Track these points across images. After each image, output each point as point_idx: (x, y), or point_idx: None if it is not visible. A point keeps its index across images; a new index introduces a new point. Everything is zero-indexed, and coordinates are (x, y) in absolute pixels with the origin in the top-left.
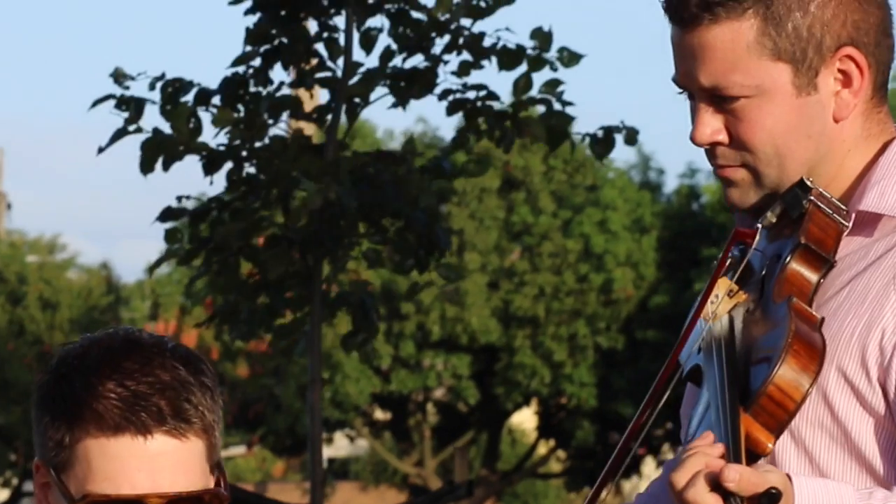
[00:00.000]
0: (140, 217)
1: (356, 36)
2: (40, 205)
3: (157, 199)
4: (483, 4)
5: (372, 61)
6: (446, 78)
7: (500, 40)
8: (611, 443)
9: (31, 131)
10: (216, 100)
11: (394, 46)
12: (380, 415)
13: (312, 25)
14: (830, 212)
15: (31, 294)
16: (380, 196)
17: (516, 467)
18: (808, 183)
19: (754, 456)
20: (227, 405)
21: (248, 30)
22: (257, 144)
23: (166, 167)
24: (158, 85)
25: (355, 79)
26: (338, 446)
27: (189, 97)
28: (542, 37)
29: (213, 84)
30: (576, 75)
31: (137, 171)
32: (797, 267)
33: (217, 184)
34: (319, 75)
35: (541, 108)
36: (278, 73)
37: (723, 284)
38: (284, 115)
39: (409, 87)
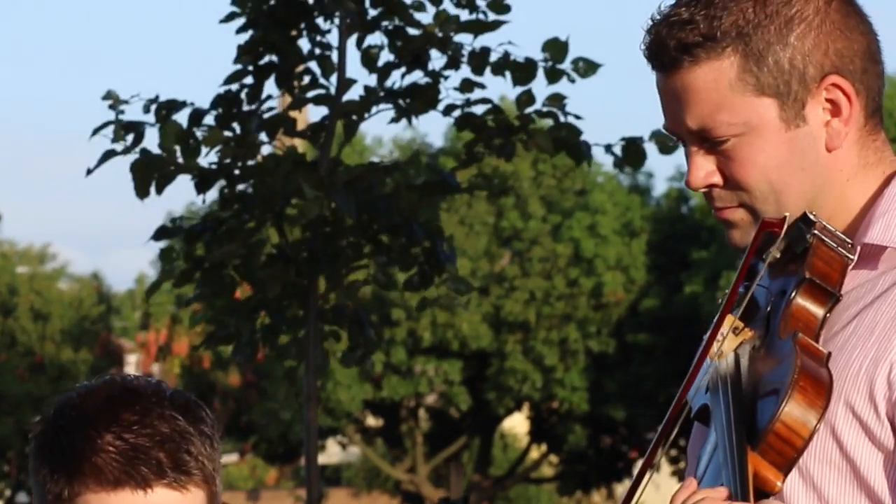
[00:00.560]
0: (131, 226)
1: (350, 52)
2: (30, 214)
3: (148, 209)
4: (482, 19)
5: (364, 78)
6: (448, 94)
7: (508, 55)
8: (602, 447)
9: (20, 141)
10: (209, 119)
11: (391, 59)
12: (372, 421)
13: (304, 43)
14: (835, 245)
15: (22, 305)
16: (376, 209)
17: (509, 472)
18: (812, 217)
19: (763, 495)
20: (219, 414)
21: (239, 47)
22: (250, 162)
23: (160, 190)
24: (153, 108)
25: (353, 96)
26: (330, 453)
27: (183, 117)
28: (556, 48)
29: (208, 104)
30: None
31: (128, 179)
32: (803, 302)
33: (210, 201)
34: (312, 93)
35: (548, 121)
36: (270, 88)
37: (728, 322)
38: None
39: (412, 103)
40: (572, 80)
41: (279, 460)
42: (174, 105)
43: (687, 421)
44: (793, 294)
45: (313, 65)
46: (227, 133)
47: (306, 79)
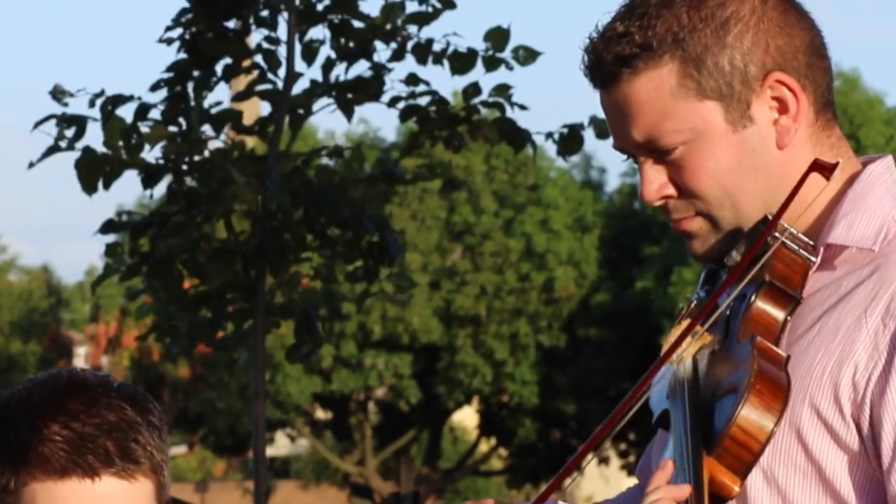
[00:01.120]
0: (81, 219)
1: (298, 47)
2: None
3: (99, 201)
4: (428, 10)
5: (314, 71)
6: (393, 85)
7: (449, 45)
8: (552, 440)
9: None
10: (156, 114)
11: (334, 56)
12: (321, 414)
13: (253, 38)
14: (796, 248)
15: None
16: (325, 202)
17: (458, 465)
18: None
19: (721, 499)
20: (168, 406)
21: (183, 40)
22: (197, 158)
23: (107, 185)
24: (98, 102)
25: (298, 90)
26: (278, 445)
27: (128, 112)
28: (497, 37)
29: (154, 99)
30: (517, 75)
31: (76, 171)
32: (762, 305)
33: (158, 196)
34: (260, 87)
35: (494, 112)
36: (221, 91)
37: (686, 326)
38: (225, 128)
39: (355, 95)
40: (510, 68)
41: (227, 452)
42: (120, 99)
43: (650, 423)
44: (753, 297)
45: (260, 59)
46: (173, 128)
47: (255, 73)
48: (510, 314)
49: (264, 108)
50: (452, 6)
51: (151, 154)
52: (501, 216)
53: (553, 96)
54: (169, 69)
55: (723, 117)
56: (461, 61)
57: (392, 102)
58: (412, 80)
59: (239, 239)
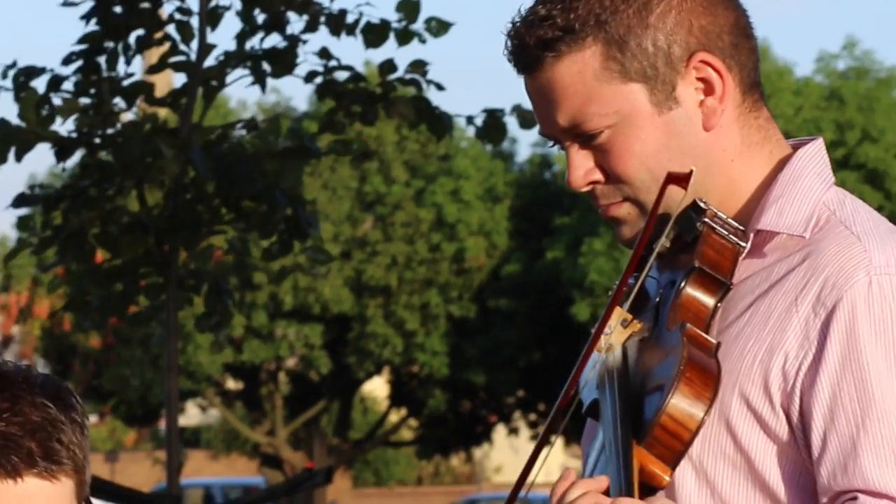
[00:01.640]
0: None
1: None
2: None
3: (10, 172)
4: None
5: (227, 43)
6: (307, 58)
7: (362, 16)
8: (462, 411)
9: None
10: (68, 86)
11: (248, 24)
12: (232, 384)
13: (166, 9)
14: (726, 233)
15: None
16: (238, 175)
17: (368, 435)
18: (702, 205)
19: (651, 489)
20: (78, 375)
21: (94, 12)
22: (110, 131)
23: (19, 157)
24: (11, 73)
25: (211, 61)
26: (189, 415)
27: (41, 84)
28: (409, 8)
29: (67, 71)
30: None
31: None
32: (692, 292)
33: (73, 167)
34: (173, 59)
35: (410, 90)
36: (136, 65)
37: (616, 314)
38: (138, 101)
39: (271, 69)
40: (423, 41)
41: (138, 422)
42: (33, 71)
43: (578, 413)
44: (682, 284)
45: (173, 30)
46: (85, 101)
47: (167, 45)
48: (421, 284)
49: (177, 81)
50: None
51: (64, 127)
52: (412, 186)
53: (472, 74)
54: (81, 41)
55: (648, 99)
56: (374, 33)
57: (309, 78)
58: (324, 54)
59: (151, 212)
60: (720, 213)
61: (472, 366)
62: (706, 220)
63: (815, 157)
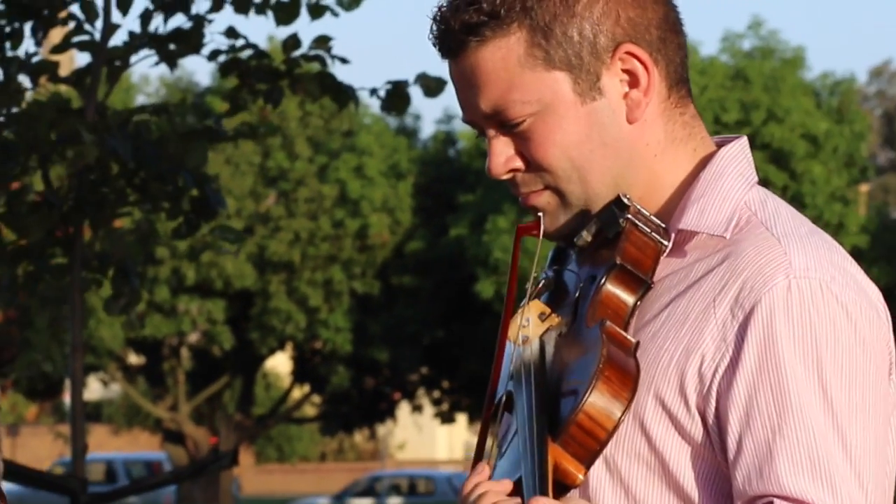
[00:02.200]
0: None
1: None
2: None
3: None
4: None
5: (132, 22)
6: (213, 37)
7: None
8: (365, 388)
9: None
10: None
11: (151, 7)
12: (134, 359)
13: None
14: (649, 231)
15: None
16: (145, 156)
17: (271, 412)
18: (626, 201)
19: (565, 487)
20: None
21: None
22: (14, 110)
23: None
24: None
25: (118, 41)
26: (91, 390)
27: None
28: None
29: None
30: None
31: None
32: (613, 289)
33: None
34: (77, 39)
35: (315, 65)
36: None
37: (535, 307)
38: (41, 79)
39: (176, 48)
40: (336, 15)
41: (39, 396)
42: None
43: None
44: (603, 280)
45: (77, 9)
46: None
47: (72, 24)
48: (324, 261)
49: (80, 60)
50: None
51: None
52: (316, 162)
53: (377, 49)
54: None
55: (571, 89)
56: (284, 11)
57: (212, 56)
58: (231, 33)
59: (58, 193)
60: (643, 210)
61: (375, 343)
62: (629, 216)
63: (737, 156)
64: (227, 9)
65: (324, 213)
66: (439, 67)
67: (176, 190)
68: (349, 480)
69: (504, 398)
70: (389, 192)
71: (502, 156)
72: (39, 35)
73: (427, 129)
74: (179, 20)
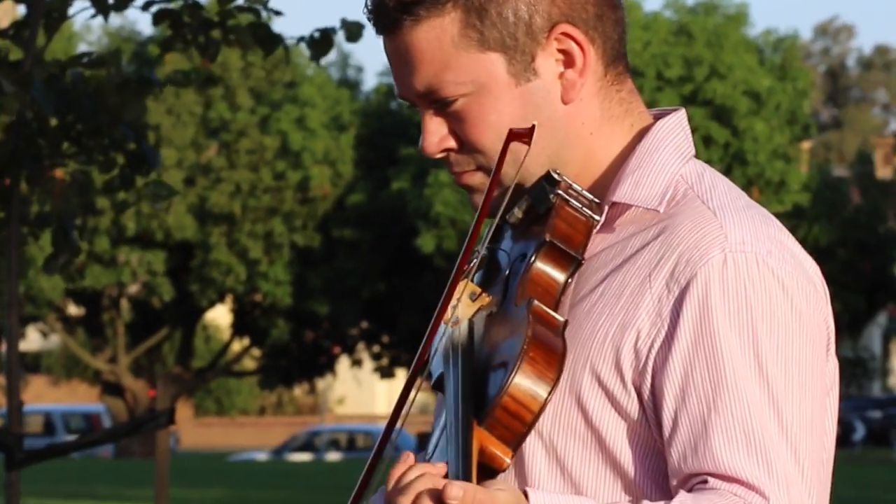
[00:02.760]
0: None
1: None
2: None
3: None
4: None
5: None
6: None
7: None
8: (305, 341)
9: None
10: None
11: None
12: (73, 310)
13: None
14: (580, 206)
15: None
16: (81, 109)
17: (210, 364)
18: (556, 176)
19: (492, 471)
20: None
21: None
22: None
23: None
24: None
25: None
26: (30, 340)
27: None
28: None
29: None
30: None
31: None
32: (542, 266)
33: None
34: None
35: (249, 17)
36: None
37: (465, 287)
38: None
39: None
40: None
41: None
42: None
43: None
44: (532, 258)
45: None
46: None
47: None
48: (265, 213)
49: (20, 13)
50: None
51: None
52: (258, 113)
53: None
54: None
55: (506, 70)
56: None
57: (146, 7)
58: None
59: None
60: (575, 185)
61: (315, 296)
62: (559, 192)
63: (674, 129)
64: None
65: (265, 165)
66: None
67: (112, 143)
68: (288, 434)
69: (433, 378)
70: (331, 144)
71: (436, 135)
72: None
73: (369, 82)
74: None
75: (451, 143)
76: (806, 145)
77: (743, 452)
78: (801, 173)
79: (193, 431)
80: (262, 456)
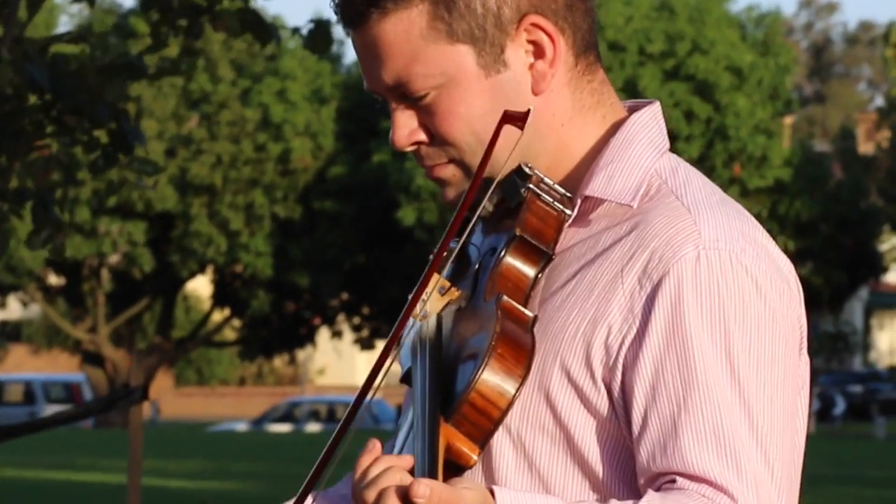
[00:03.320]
0: None
1: None
2: None
3: None
4: None
5: None
6: None
7: None
8: (285, 312)
9: None
10: None
11: None
12: (54, 280)
13: None
14: (551, 200)
15: None
16: (63, 88)
17: (191, 335)
18: (527, 170)
19: (458, 468)
20: None
21: None
22: None
23: None
24: None
25: None
26: (11, 309)
27: None
28: None
29: None
30: None
31: None
32: (512, 261)
33: None
34: None
35: (237, 2)
36: None
37: (434, 281)
38: None
39: None
40: None
41: None
42: None
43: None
44: (502, 252)
45: None
46: None
47: None
48: (246, 184)
49: None
50: None
51: None
52: (239, 85)
53: None
54: None
55: (475, 62)
56: None
57: None
58: None
59: None
60: (546, 179)
61: (296, 267)
62: (531, 185)
63: (648, 122)
64: None
65: (246, 137)
66: None
67: (93, 123)
68: (268, 405)
69: (402, 372)
70: (312, 116)
71: (405, 129)
72: None
73: (351, 55)
74: None
75: (422, 137)
76: (788, 120)
77: (712, 453)
78: (783, 148)
79: (174, 401)
80: (241, 426)
